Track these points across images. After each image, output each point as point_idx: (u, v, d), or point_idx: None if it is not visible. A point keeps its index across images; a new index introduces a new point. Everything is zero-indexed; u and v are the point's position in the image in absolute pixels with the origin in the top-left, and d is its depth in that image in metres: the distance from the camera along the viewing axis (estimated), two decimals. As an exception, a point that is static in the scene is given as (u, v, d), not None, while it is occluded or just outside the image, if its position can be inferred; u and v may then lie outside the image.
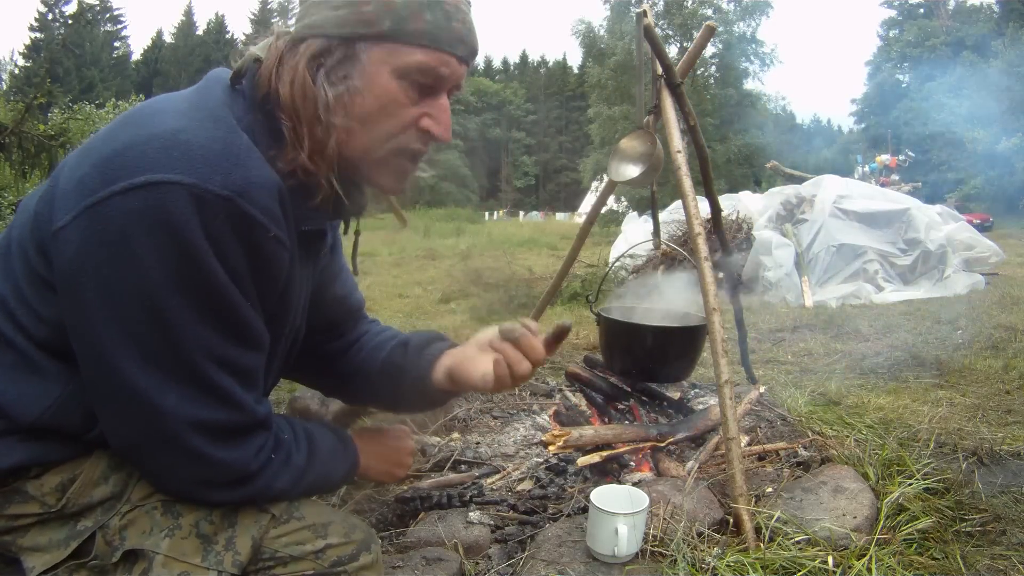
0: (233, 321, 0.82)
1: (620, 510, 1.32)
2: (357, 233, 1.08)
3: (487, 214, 41.15)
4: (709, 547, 1.39)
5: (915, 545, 1.46)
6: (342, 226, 1.08)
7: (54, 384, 0.85)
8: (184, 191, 0.74)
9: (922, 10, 39.96)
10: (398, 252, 11.59)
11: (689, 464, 1.77)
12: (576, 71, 61.44)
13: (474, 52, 0.91)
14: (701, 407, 2.13)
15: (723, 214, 2.94)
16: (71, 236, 0.76)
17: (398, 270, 9.23)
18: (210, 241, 0.76)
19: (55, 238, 0.78)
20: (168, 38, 66.74)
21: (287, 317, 0.97)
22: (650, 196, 2.53)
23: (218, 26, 67.36)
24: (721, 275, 2.68)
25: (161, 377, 0.79)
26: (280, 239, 0.84)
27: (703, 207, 2.27)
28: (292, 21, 0.90)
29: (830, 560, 1.32)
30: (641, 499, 1.39)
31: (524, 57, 77.83)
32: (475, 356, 1.03)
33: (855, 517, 1.48)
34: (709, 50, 23.19)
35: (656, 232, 2.56)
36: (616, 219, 17.06)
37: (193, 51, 64.13)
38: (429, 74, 0.87)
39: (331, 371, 1.21)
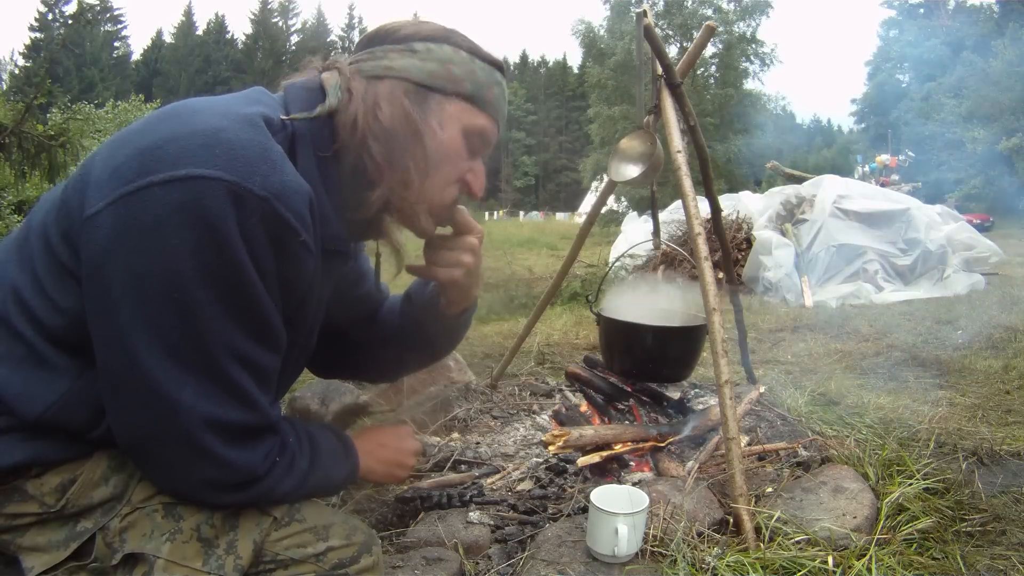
0: (257, 320, 0.83)
1: (620, 510, 1.32)
2: (378, 255, 1.14)
3: (487, 214, 41.14)
4: (709, 547, 1.39)
5: (915, 545, 1.45)
6: None
7: (62, 379, 0.85)
8: (224, 188, 0.75)
9: (922, 10, 39.98)
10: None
11: (689, 464, 1.77)
12: (576, 71, 61.41)
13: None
14: (701, 407, 2.13)
15: (723, 214, 2.94)
16: (103, 222, 0.76)
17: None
18: (244, 239, 0.78)
19: (86, 224, 0.78)
20: (168, 38, 66.81)
21: (304, 326, 0.99)
22: (650, 196, 2.52)
23: (218, 26, 67.37)
24: (721, 275, 2.68)
25: (181, 370, 0.79)
26: (308, 245, 0.85)
27: (703, 207, 2.27)
28: (358, 62, 0.96)
29: (830, 560, 1.32)
30: (641, 499, 1.39)
31: (524, 57, 77.85)
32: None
33: (855, 517, 1.48)
34: (709, 50, 23.16)
35: (656, 232, 2.56)
36: (616, 219, 17.05)
37: (193, 51, 64.15)
38: (484, 138, 0.99)
39: (370, 353, 1.30)
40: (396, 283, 1.28)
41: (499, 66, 1.00)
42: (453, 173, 0.98)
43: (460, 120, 0.95)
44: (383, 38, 0.96)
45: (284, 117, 0.88)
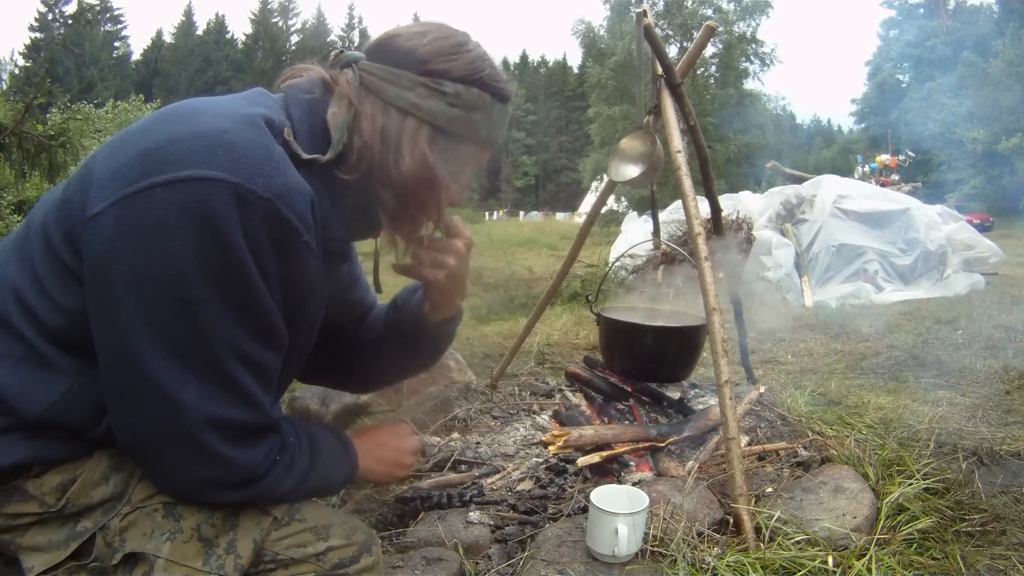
0: (260, 320, 0.84)
1: (620, 510, 1.32)
2: (377, 253, 1.14)
3: (487, 214, 41.11)
4: (709, 547, 1.39)
5: (915, 545, 1.46)
6: None
7: (62, 379, 0.85)
8: (227, 189, 0.76)
9: (922, 10, 40.00)
10: (398, 252, 11.53)
11: (689, 464, 1.77)
12: (576, 71, 61.39)
13: None
14: (701, 407, 2.13)
15: (723, 214, 2.93)
16: (106, 223, 0.77)
17: (398, 270, 9.18)
18: (247, 240, 0.78)
19: (88, 224, 0.78)
20: (168, 38, 66.77)
21: (305, 326, 0.99)
22: (650, 196, 2.52)
23: (218, 26, 67.36)
24: (722, 275, 2.68)
25: (183, 370, 0.79)
26: (310, 245, 0.86)
27: (703, 207, 2.27)
28: (374, 76, 0.93)
29: (830, 560, 1.32)
30: (641, 499, 1.39)
31: (524, 57, 77.80)
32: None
33: (855, 517, 1.49)
34: (709, 50, 23.12)
35: (656, 232, 2.56)
36: (616, 219, 17.03)
37: (193, 51, 64.12)
38: (481, 166, 1.03)
39: (355, 358, 1.29)
40: (389, 289, 1.28)
41: (511, 98, 1.03)
42: (449, 200, 1.01)
43: (473, 163, 1.00)
44: (407, 59, 0.92)
45: (286, 135, 0.87)
